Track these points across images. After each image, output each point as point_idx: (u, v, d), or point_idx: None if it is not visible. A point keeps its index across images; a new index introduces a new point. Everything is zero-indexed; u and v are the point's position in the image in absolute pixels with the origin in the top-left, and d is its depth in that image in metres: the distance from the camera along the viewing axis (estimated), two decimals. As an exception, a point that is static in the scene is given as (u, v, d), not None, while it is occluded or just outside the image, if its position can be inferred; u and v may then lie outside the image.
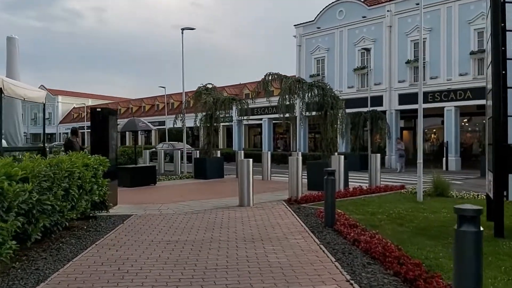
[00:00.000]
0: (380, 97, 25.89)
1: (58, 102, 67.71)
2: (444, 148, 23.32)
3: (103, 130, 9.34)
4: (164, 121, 41.36)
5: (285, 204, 9.91)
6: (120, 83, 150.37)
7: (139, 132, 49.37)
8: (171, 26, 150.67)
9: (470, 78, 22.47)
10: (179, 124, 18.92)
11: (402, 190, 12.44)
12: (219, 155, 18.78)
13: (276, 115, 31.29)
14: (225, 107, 17.42)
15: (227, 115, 18.76)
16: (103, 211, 8.41)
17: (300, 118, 23.37)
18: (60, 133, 63.88)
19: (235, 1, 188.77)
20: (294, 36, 31.19)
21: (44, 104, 9.48)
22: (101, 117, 9.34)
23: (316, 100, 12.77)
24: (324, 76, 28.54)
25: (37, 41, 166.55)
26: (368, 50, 25.63)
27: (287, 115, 12.97)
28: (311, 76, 28.56)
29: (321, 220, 7.97)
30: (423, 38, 24.81)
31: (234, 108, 19.22)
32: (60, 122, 66.41)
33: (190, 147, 38.38)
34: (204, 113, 17.47)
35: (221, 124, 35.98)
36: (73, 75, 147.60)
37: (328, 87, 12.86)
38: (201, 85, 17.56)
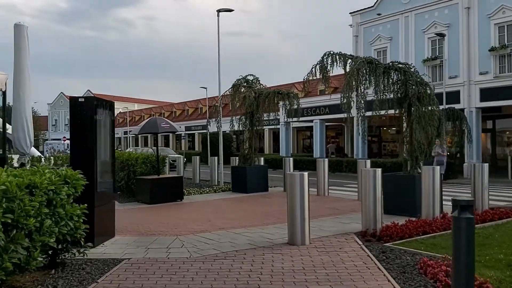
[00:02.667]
0: (457, 93, 21.55)
1: (104, 107, 67.57)
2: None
3: (88, 130, 6.35)
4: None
5: (360, 242, 6.45)
6: (168, 89, 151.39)
7: (181, 135, 47.82)
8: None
9: None
10: (213, 128, 15.91)
11: (524, 216, 8.60)
12: (262, 163, 15.51)
13: (330, 116, 28.05)
14: (270, 104, 14.16)
15: (271, 117, 15.49)
16: (79, 254, 5.37)
17: (358, 117, 19.60)
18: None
19: (282, 3, 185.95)
20: (350, 26, 27.30)
21: (3, 92, 6.63)
22: (85, 111, 6.35)
23: (395, 89, 9.17)
24: (385, 70, 24.51)
25: (89, 49, 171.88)
26: (442, 35, 21.39)
27: (353, 113, 9.49)
28: (370, 70, 24.62)
29: (432, 281, 4.54)
30: (509, 20, 20.64)
31: (281, 108, 15.99)
32: (107, 127, 65.90)
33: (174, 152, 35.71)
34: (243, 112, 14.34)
35: (267, 127, 32.94)
36: (122, 81, 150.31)
37: (412, 69, 9.19)
38: (240, 77, 14.32)
